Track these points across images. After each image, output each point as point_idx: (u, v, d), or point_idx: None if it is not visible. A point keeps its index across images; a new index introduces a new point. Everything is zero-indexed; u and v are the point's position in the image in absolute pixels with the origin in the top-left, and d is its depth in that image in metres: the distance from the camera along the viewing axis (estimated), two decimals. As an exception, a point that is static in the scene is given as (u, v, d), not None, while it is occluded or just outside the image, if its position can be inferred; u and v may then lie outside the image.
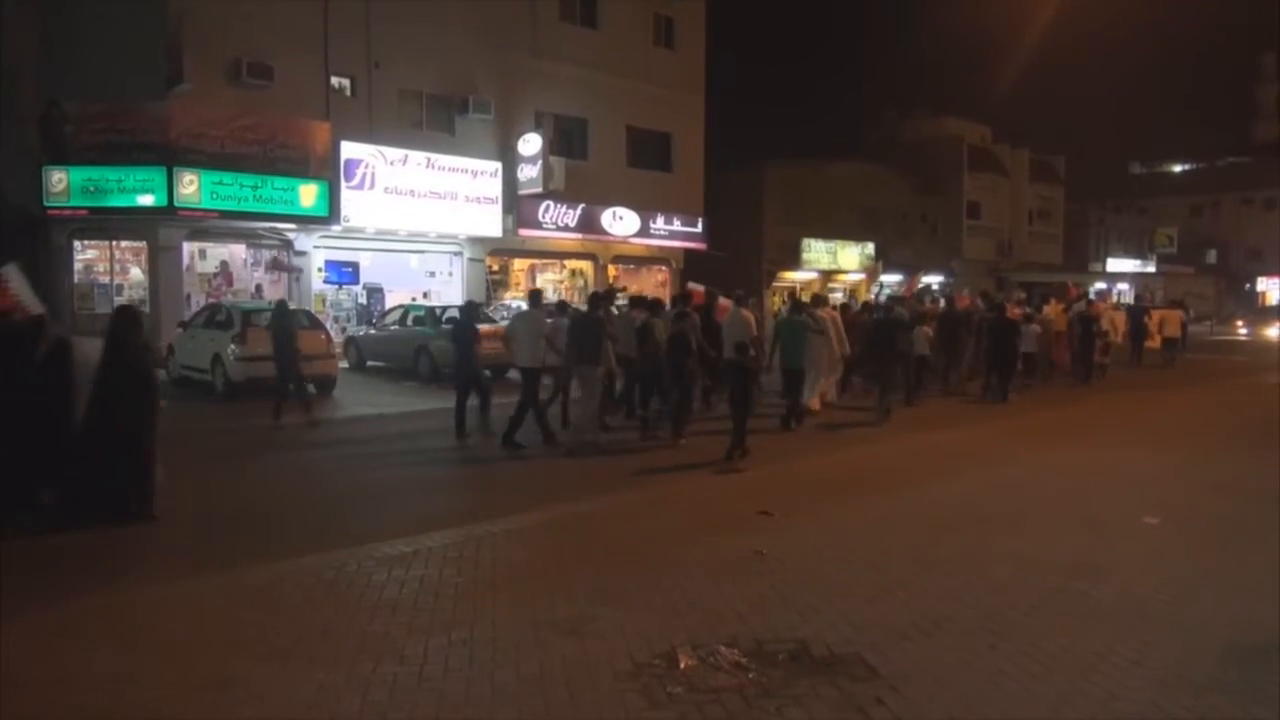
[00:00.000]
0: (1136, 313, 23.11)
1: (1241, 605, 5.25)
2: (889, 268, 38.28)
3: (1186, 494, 8.27)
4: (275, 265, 21.11)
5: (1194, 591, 5.48)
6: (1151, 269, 53.15)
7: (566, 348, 10.88)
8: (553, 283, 27.56)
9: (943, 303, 18.80)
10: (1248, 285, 60.88)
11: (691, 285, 14.36)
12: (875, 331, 14.04)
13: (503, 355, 18.33)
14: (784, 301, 19.19)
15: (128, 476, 7.17)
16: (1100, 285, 44.61)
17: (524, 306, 21.52)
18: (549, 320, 11.51)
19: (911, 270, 39.00)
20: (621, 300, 21.21)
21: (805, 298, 15.14)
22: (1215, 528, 7.09)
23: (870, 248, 37.36)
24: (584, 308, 12.43)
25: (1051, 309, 19.59)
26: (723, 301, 14.21)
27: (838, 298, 24.80)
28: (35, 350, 7.23)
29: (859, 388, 15.33)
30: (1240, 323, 44.88)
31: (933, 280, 40.19)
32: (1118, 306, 26.09)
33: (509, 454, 10.38)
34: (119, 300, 19.89)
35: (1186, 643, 4.67)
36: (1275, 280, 62.03)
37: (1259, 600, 5.32)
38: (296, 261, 21.16)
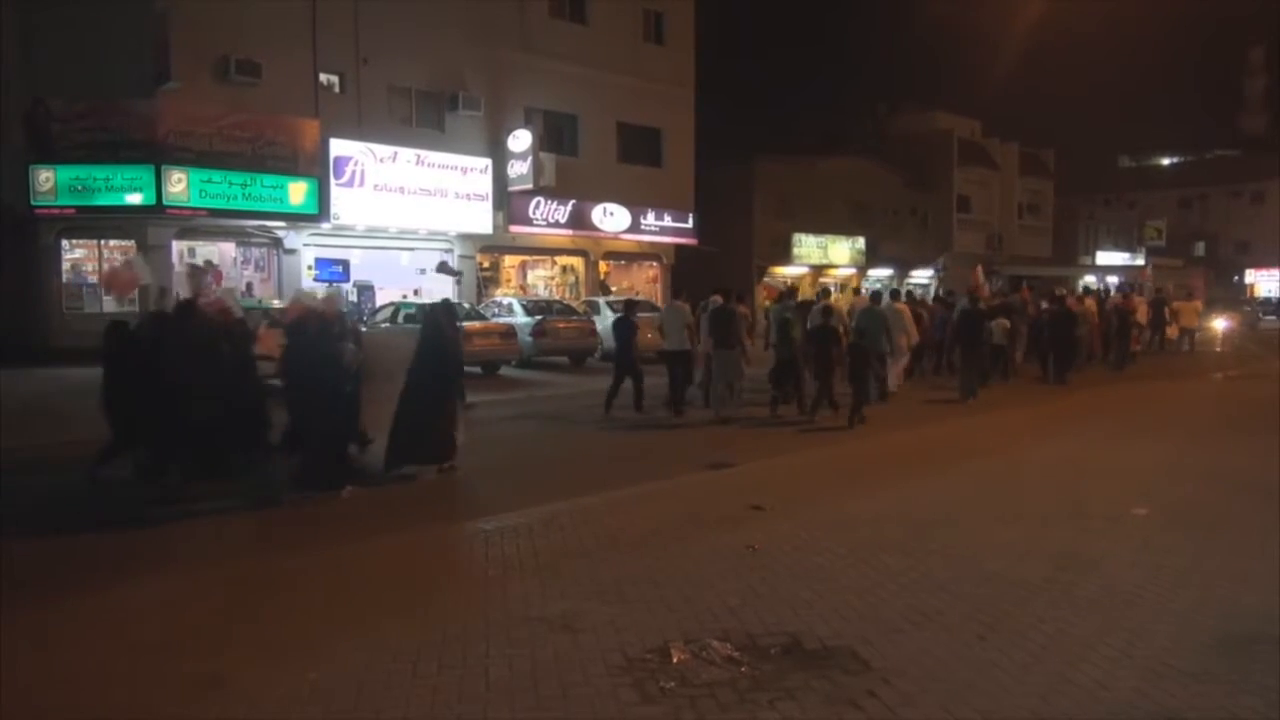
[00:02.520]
0: (1157, 304, 25.00)
1: (1230, 594, 5.28)
2: (879, 262, 38.35)
3: (1176, 484, 8.31)
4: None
5: (1182, 581, 5.52)
6: (1140, 262, 53.32)
7: (708, 335, 12.72)
8: (544, 279, 27.56)
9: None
10: (1236, 277, 61.16)
11: (768, 282, 16.19)
12: (962, 322, 15.32)
13: (498, 350, 18.47)
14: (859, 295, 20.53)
15: (446, 432, 8.81)
16: (1087, 279, 44.70)
17: (515, 303, 21.58)
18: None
19: (903, 264, 39.11)
20: (613, 297, 21.23)
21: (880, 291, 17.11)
22: (1204, 518, 7.12)
23: (861, 242, 37.42)
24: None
25: (1089, 302, 20.92)
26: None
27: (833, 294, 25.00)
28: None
29: (930, 372, 17.16)
30: None
31: (923, 275, 40.34)
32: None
33: (678, 419, 12.46)
34: (107, 299, 19.82)
35: (1175, 632, 4.70)
36: (1263, 272, 62.36)
37: (1247, 589, 5.36)
38: (287, 259, 21.11)
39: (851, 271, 37.31)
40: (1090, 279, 45.38)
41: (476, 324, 18.60)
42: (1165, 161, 72.92)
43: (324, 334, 8.39)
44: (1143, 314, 22.64)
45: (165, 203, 18.41)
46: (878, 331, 13.48)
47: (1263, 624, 4.79)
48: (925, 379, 17.25)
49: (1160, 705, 3.91)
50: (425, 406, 8.61)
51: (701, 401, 13.31)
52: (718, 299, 13.38)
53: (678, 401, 12.91)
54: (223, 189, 19.03)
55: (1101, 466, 9.20)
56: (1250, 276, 62.55)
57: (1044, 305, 18.97)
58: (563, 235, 25.76)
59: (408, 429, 8.54)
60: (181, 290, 9.10)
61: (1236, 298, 45.42)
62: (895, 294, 16.28)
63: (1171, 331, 24.97)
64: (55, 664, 4.34)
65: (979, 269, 23.32)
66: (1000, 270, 40.69)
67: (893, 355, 14.41)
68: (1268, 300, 54.93)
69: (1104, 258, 51.82)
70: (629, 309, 14.00)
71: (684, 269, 29.10)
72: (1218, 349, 26.37)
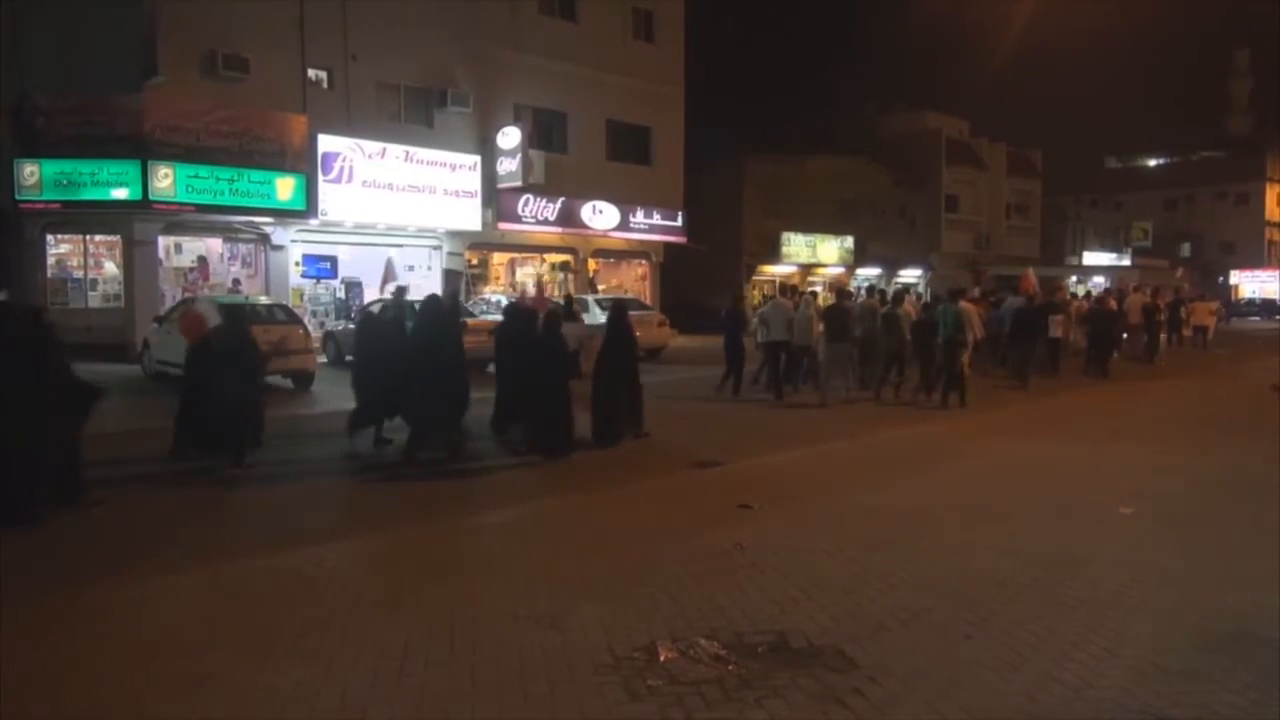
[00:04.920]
0: (1174, 304, 26.14)
1: (1214, 593, 5.32)
2: (867, 261, 38.42)
3: (1163, 482, 8.36)
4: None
5: (1167, 580, 5.55)
6: (1127, 262, 53.57)
7: (824, 329, 14.26)
8: (533, 277, 27.49)
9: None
10: (1221, 278, 61.57)
11: (835, 283, 17.20)
12: (1021, 318, 16.68)
13: (488, 348, 18.34)
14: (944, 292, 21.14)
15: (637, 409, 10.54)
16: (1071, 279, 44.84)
17: (504, 301, 21.59)
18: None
19: (891, 263, 39.19)
20: (601, 295, 21.24)
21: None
22: (1190, 516, 7.16)
23: (849, 241, 37.49)
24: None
25: (1110, 302, 22.06)
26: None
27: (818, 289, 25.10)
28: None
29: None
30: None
31: (912, 273, 40.42)
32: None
33: (778, 402, 13.94)
34: (93, 294, 19.71)
35: (1160, 631, 4.73)
36: (1247, 273, 62.79)
37: (1231, 588, 5.40)
38: (274, 255, 21.00)
39: (840, 270, 37.37)
40: (1074, 279, 45.49)
41: (470, 321, 18.52)
42: (1151, 163, 73.32)
43: (553, 322, 9.87)
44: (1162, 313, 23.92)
45: (151, 198, 18.26)
46: (961, 327, 14.92)
47: (1247, 622, 4.82)
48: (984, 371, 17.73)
49: (1145, 703, 3.93)
50: (618, 388, 10.17)
51: (808, 388, 14.89)
52: (809, 295, 15.86)
53: (778, 385, 14.37)
54: (209, 184, 18.90)
55: (1092, 465, 9.25)
56: (1235, 277, 62.95)
57: (1082, 304, 20.89)
58: (552, 233, 25.70)
59: (607, 407, 10.06)
60: (448, 289, 10.66)
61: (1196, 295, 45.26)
62: (962, 293, 17.37)
63: (1186, 330, 26.32)
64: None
65: (1030, 270, 23.60)
66: (988, 269, 40.84)
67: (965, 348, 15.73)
68: (1251, 301, 55.40)
69: (1090, 258, 52.00)
70: (735, 303, 15.97)
71: (673, 267, 29.12)
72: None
